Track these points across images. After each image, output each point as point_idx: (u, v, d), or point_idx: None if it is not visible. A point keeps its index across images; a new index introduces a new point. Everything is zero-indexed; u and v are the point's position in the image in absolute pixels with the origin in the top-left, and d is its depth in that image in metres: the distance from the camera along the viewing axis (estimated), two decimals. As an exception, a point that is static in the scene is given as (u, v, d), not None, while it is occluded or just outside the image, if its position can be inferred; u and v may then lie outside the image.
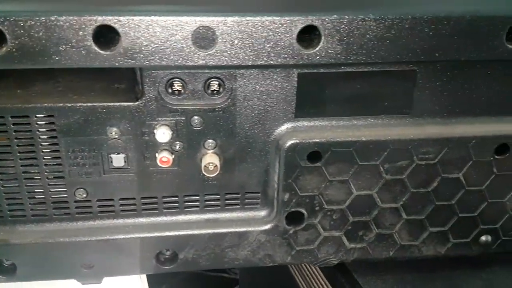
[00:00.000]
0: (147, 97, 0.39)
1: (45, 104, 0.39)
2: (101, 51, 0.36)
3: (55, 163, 0.41)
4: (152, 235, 0.44)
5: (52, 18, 0.34)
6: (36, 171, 0.41)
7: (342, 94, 0.42)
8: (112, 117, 0.40)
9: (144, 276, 0.58)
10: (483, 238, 0.48)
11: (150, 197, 0.44)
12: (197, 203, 0.45)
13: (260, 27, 0.37)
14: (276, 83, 0.41)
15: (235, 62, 0.38)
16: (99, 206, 0.43)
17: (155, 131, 0.40)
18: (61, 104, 0.39)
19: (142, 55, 0.36)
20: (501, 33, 0.39)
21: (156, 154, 0.42)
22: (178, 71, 0.39)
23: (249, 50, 0.38)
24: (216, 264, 0.46)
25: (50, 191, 0.42)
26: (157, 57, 0.37)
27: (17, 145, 0.40)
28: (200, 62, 0.37)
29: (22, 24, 0.34)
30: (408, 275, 0.50)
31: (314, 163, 0.42)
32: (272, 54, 0.38)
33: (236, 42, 0.37)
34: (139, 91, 0.40)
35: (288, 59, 0.38)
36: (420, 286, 0.50)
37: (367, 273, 0.50)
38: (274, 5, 0.40)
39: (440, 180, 0.45)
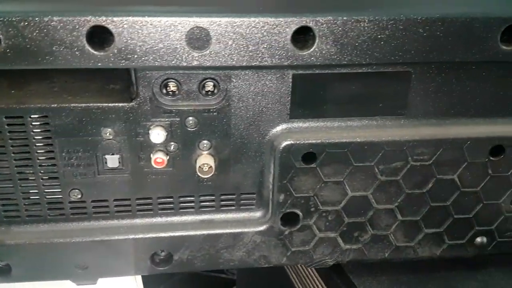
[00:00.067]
0: (142, 98, 0.39)
1: (40, 105, 0.39)
2: (95, 52, 0.36)
3: (49, 164, 0.41)
4: (147, 236, 0.44)
5: (46, 18, 0.34)
6: (31, 171, 0.41)
7: (337, 95, 0.42)
8: (106, 118, 0.40)
9: (139, 277, 0.58)
10: (479, 239, 0.48)
11: (144, 198, 0.44)
12: (192, 204, 0.45)
13: (254, 28, 0.37)
14: (271, 84, 0.41)
15: (229, 63, 0.38)
16: (93, 207, 0.43)
17: (149, 132, 0.40)
18: (56, 105, 0.39)
19: (136, 56, 0.36)
20: (496, 34, 0.39)
21: (151, 155, 0.42)
22: (173, 72, 0.39)
23: (244, 51, 0.38)
24: (211, 265, 0.46)
25: (45, 191, 0.42)
26: (151, 58, 0.37)
27: (12, 146, 0.40)
28: (195, 63, 0.37)
29: (15, 24, 0.34)
30: (403, 276, 0.50)
31: (309, 164, 0.42)
32: (266, 55, 0.38)
33: (230, 43, 0.37)
34: (134, 92, 0.40)
35: (282, 60, 0.38)
36: (415, 287, 0.50)
37: (363, 274, 0.50)
38: (269, 6, 0.40)
39: (435, 181, 0.44)
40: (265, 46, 0.38)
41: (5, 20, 0.34)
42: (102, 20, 0.35)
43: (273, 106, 0.41)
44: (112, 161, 0.41)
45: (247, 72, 0.40)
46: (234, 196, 0.45)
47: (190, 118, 0.41)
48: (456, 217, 0.47)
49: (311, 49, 0.38)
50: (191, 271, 0.47)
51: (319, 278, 0.55)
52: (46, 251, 0.43)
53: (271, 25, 0.37)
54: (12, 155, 0.40)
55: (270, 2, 0.42)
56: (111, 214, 0.44)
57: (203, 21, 0.36)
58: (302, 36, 0.38)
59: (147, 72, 0.39)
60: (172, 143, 0.41)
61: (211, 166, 0.42)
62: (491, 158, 0.44)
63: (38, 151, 0.40)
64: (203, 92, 0.40)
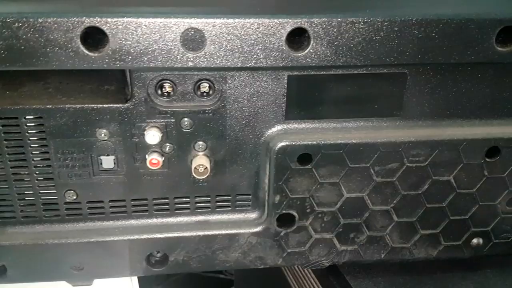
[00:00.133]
0: (137, 99, 0.39)
1: (34, 106, 0.39)
2: (89, 53, 0.36)
3: (44, 165, 0.41)
4: (142, 237, 0.44)
5: (40, 19, 0.34)
6: (26, 172, 0.41)
7: (332, 96, 0.41)
8: (101, 119, 0.40)
9: (135, 278, 0.58)
10: (475, 240, 0.48)
11: (140, 199, 0.44)
12: (188, 205, 0.45)
13: (249, 29, 0.37)
14: (266, 85, 0.41)
15: (224, 64, 0.38)
16: (89, 208, 0.43)
17: (144, 133, 0.40)
18: (50, 106, 0.39)
19: (130, 57, 0.36)
20: (491, 35, 0.39)
21: (146, 156, 0.41)
22: (168, 73, 0.39)
23: (239, 52, 0.37)
24: (207, 266, 0.46)
25: (40, 192, 0.42)
26: (146, 59, 0.37)
27: (6, 147, 0.40)
28: (190, 64, 0.37)
29: (9, 25, 0.34)
30: (399, 278, 0.50)
31: (305, 165, 0.42)
32: (261, 56, 0.38)
33: (225, 44, 0.37)
34: (129, 93, 0.39)
35: (277, 61, 0.38)
36: (411, 288, 0.50)
37: (359, 275, 0.50)
38: (264, 7, 0.40)
39: (431, 182, 0.44)
40: (260, 47, 0.38)
41: None
42: (96, 21, 0.35)
43: (268, 107, 0.41)
44: (107, 162, 0.41)
45: (242, 73, 0.40)
46: (229, 197, 0.45)
47: (186, 119, 0.41)
48: (452, 218, 0.47)
49: (306, 51, 0.38)
50: (187, 272, 0.47)
51: (316, 279, 0.54)
52: (42, 252, 0.43)
53: (266, 26, 0.37)
54: (7, 156, 0.40)
55: (265, 3, 0.42)
56: (106, 215, 0.44)
57: (197, 22, 0.36)
58: (297, 38, 0.38)
59: (142, 73, 0.39)
60: (167, 144, 0.41)
61: (206, 167, 0.42)
62: (487, 159, 0.44)
63: (33, 152, 0.40)
64: (199, 93, 0.40)
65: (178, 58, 0.37)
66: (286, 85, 0.41)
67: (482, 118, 0.44)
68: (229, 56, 0.37)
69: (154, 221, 0.45)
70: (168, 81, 0.39)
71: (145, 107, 0.40)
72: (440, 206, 0.46)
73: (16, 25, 0.34)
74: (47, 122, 0.39)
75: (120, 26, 0.35)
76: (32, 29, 0.34)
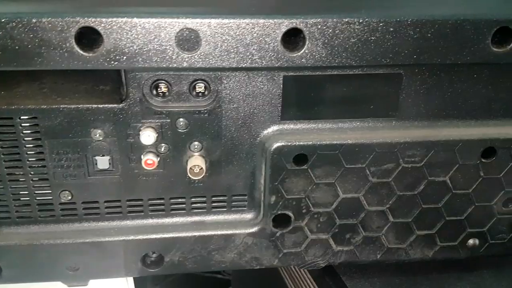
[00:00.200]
0: (132, 99, 0.39)
1: (29, 106, 0.38)
2: (84, 53, 0.35)
3: (39, 165, 0.41)
4: (137, 237, 0.44)
5: (34, 19, 0.34)
6: (21, 173, 0.41)
7: (328, 96, 0.41)
8: (96, 119, 0.39)
9: (130, 278, 0.57)
10: (471, 241, 0.48)
11: (135, 200, 0.44)
12: (183, 205, 0.45)
13: (244, 30, 0.37)
14: (262, 86, 0.40)
15: (219, 64, 0.38)
16: (84, 209, 0.43)
17: (140, 133, 0.40)
18: (45, 106, 0.39)
19: (125, 57, 0.36)
20: (487, 36, 0.39)
21: (142, 156, 0.41)
22: (163, 73, 0.39)
23: (234, 53, 0.37)
24: (203, 267, 0.46)
25: (35, 193, 0.42)
26: (141, 59, 0.36)
27: (1, 147, 0.40)
28: (185, 64, 0.37)
29: (4, 25, 0.34)
30: (395, 278, 0.50)
31: (300, 166, 0.42)
32: (257, 57, 0.38)
33: (220, 44, 0.37)
34: (124, 93, 0.39)
35: (273, 61, 0.38)
36: (407, 289, 0.50)
37: (355, 276, 0.50)
38: (259, 7, 0.40)
39: (427, 183, 0.44)
40: (255, 48, 0.37)
41: None
42: (90, 21, 0.35)
43: (264, 108, 0.41)
44: (102, 162, 0.41)
45: (237, 74, 0.40)
46: (225, 198, 0.45)
47: (181, 119, 0.41)
48: (448, 219, 0.47)
49: (302, 51, 0.38)
50: (182, 272, 0.47)
51: (312, 280, 0.54)
52: (37, 253, 0.43)
53: (261, 26, 0.37)
54: (2, 156, 0.40)
55: (261, 3, 0.42)
56: (101, 215, 0.44)
57: (192, 22, 0.36)
58: (293, 38, 0.38)
59: (137, 73, 0.38)
60: (162, 144, 0.41)
61: (202, 168, 0.42)
62: (483, 160, 0.44)
63: (28, 152, 0.40)
64: (194, 93, 0.40)
65: (173, 58, 0.37)
66: (281, 86, 0.40)
67: (478, 118, 0.44)
68: (224, 56, 0.37)
69: (149, 221, 0.45)
70: (163, 81, 0.39)
71: (140, 107, 0.40)
72: (436, 206, 0.46)
73: (11, 25, 0.34)
74: (42, 122, 0.39)
75: (115, 26, 0.35)
76: (26, 29, 0.34)
